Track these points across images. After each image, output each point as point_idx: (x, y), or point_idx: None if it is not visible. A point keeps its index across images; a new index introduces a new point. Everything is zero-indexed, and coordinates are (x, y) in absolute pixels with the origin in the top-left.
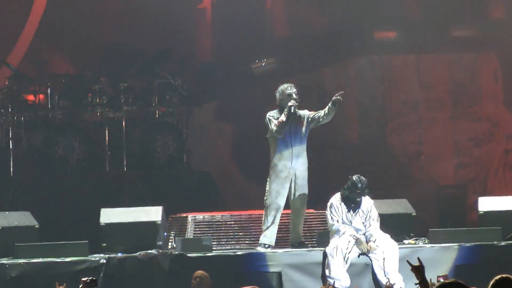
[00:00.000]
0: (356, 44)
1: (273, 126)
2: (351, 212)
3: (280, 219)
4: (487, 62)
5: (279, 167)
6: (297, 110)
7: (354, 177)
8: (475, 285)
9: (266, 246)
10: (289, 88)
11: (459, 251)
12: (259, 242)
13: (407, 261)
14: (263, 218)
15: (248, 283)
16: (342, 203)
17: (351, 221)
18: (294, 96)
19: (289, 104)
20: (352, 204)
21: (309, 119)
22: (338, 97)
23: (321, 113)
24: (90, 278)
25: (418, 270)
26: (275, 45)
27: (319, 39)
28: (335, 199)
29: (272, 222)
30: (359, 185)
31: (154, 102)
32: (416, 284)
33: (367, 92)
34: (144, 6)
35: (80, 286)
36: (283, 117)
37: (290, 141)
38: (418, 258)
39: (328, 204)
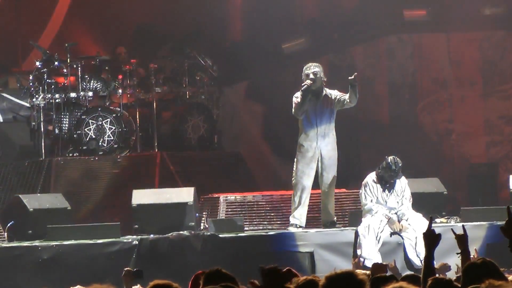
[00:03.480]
0: (386, 23)
1: (293, 108)
2: (386, 191)
3: (311, 199)
4: None
5: (304, 147)
6: (326, 89)
7: (389, 159)
8: (505, 263)
9: (297, 226)
10: (307, 68)
11: (489, 229)
12: (290, 222)
13: (451, 229)
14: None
15: (280, 263)
16: (377, 183)
17: (386, 201)
18: (311, 76)
19: (302, 85)
20: (386, 184)
21: (336, 100)
22: (353, 77)
23: (346, 96)
24: (136, 269)
25: (461, 239)
26: (305, 24)
27: (349, 18)
28: (371, 178)
29: (299, 203)
30: (393, 167)
31: (185, 83)
32: (458, 254)
33: (398, 71)
34: None
35: (122, 275)
36: (298, 99)
37: (315, 121)
38: (463, 226)
39: (363, 183)
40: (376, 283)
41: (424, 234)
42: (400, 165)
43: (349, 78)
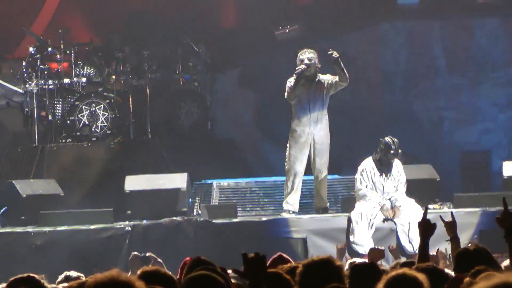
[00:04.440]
0: (379, 10)
1: (285, 92)
2: (383, 176)
3: (304, 185)
4: (511, 27)
5: (297, 132)
6: (319, 75)
7: (387, 139)
8: (498, 250)
9: (290, 212)
10: (302, 53)
11: (482, 216)
12: (283, 208)
13: (440, 217)
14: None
15: (273, 249)
16: (375, 168)
17: (383, 185)
18: (306, 61)
19: (296, 69)
20: (384, 168)
21: (329, 85)
22: (330, 53)
23: (336, 77)
24: (143, 254)
25: (450, 226)
26: (298, 11)
27: (342, 6)
28: (368, 163)
29: (292, 188)
30: (392, 146)
31: (178, 70)
32: (447, 240)
33: (391, 58)
34: None
35: (130, 259)
36: (292, 84)
37: (308, 107)
38: (452, 214)
39: (360, 168)
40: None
41: (419, 223)
42: (398, 143)
43: (328, 54)
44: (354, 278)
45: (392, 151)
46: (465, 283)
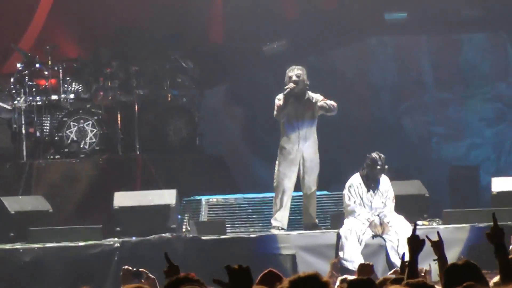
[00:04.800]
0: (366, 25)
1: (274, 110)
2: (371, 191)
3: (293, 202)
4: (498, 42)
5: (286, 149)
6: (309, 92)
7: (373, 154)
8: (487, 266)
9: (279, 228)
10: (291, 70)
11: (471, 232)
12: (271, 225)
13: (426, 236)
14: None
15: (262, 265)
16: (362, 184)
17: (371, 201)
18: (294, 78)
19: (285, 88)
20: (372, 183)
21: (317, 106)
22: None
23: (323, 109)
24: (136, 269)
25: (437, 246)
26: (286, 27)
27: (330, 20)
28: (355, 179)
29: (281, 205)
30: (379, 161)
31: (166, 85)
32: (434, 260)
33: (379, 73)
34: None
35: (121, 274)
36: (280, 102)
37: (297, 124)
38: (438, 233)
39: (347, 184)
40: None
41: (408, 239)
42: (384, 159)
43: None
44: None
45: (378, 167)
46: None
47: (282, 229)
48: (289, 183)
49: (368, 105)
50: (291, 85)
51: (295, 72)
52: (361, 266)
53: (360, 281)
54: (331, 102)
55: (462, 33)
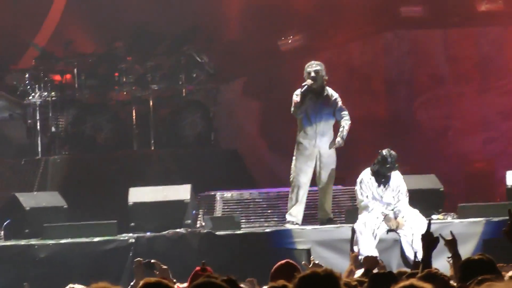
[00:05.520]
0: (382, 19)
1: (292, 106)
2: (382, 187)
3: (309, 196)
4: None
5: (303, 145)
6: (327, 88)
7: (384, 152)
8: (502, 259)
9: (294, 223)
10: (309, 66)
11: (486, 226)
12: (286, 220)
13: (440, 235)
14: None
15: (277, 260)
16: (373, 178)
17: (381, 196)
18: (313, 74)
19: (303, 84)
20: (382, 179)
21: (335, 103)
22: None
23: (342, 126)
24: (148, 260)
25: (451, 244)
26: (302, 22)
27: (346, 15)
28: (366, 174)
29: (296, 200)
30: (389, 159)
31: (181, 80)
32: (448, 258)
33: (394, 67)
34: None
35: (134, 266)
36: (297, 98)
37: (314, 120)
38: (451, 232)
39: (358, 179)
40: (376, 281)
41: (423, 236)
42: (395, 157)
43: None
44: (373, 285)
45: (388, 165)
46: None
47: (297, 224)
48: (305, 179)
49: (384, 99)
50: (309, 81)
51: (313, 68)
52: (366, 258)
53: (383, 274)
54: (346, 129)
55: (478, 27)
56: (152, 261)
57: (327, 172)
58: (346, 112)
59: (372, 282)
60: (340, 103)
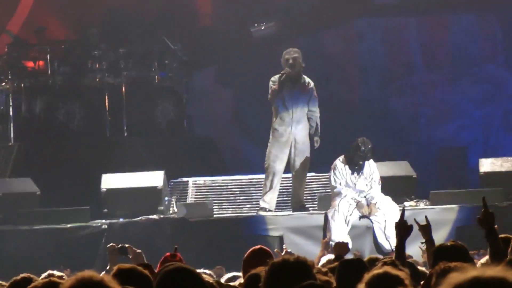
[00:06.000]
0: (355, 7)
1: (269, 94)
2: (355, 174)
3: (281, 183)
4: (487, 23)
5: (279, 131)
6: (304, 76)
7: (359, 140)
8: (475, 246)
9: (267, 210)
10: (287, 53)
11: (459, 212)
12: (260, 206)
13: (414, 220)
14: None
15: (250, 247)
16: (346, 166)
17: (355, 183)
18: (291, 61)
19: (281, 72)
20: (355, 166)
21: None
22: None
23: (312, 120)
24: (120, 245)
25: (425, 230)
26: (275, 9)
27: (319, 2)
28: (339, 161)
29: (271, 187)
30: (362, 148)
31: (154, 67)
32: (422, 243)
33: (368, 54)
34: None
35: (107, 252)
36: (275, 86)
37: (291, 107)
38: (426, 217)
39: (332, 166)
40: (346, 268)
41: (396, 224)
42: (369, 146)
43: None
44: (342, 273)
45: (360, 153)
46: (435, 272)
47: (270, 211)
48: (280, 166)
49: (357, 86)
50: (287, 69)
51: (291, 55)
52: (337, 244)
53: (352, 261)
54: (319, 125)
55: (451, 14)
56: (126, 245)
57: (301, 159)
58: (316, 106)
59: (341, 269)
60: (314, 93)
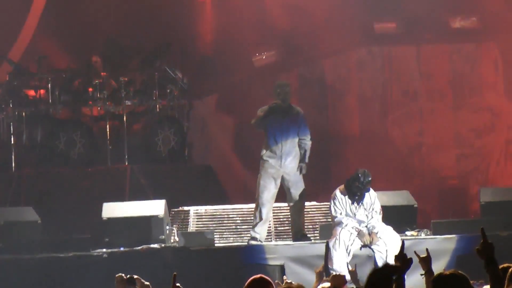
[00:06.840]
0: (356, 35)
1: (254, 119)
2: (355, 204)
3: (282, 212)
4: (488, 52)
5: (269, 162)
6: (293, 106)
7: (360, 171)
8: (476, 275)
9: (257, 239)
10: (278, 86)
11: (459, 242)
12: (250, 236)
13: (415, 252)
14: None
15: (250, 276)
16: (346, 196)
17: (355, 213)
18: (282, 95)
19: (272, 104)
20: (355, 196)
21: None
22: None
23: (301, 148)
24: (129, 276)
25: (425, 261)
26: (276, 37)
27: (319, 31)
28: (339, 191)
29: (260, 218)
30: (361, 179)
31: (155, 96)
32: (421, 274)
33: (368, 83)
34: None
35: (115, 281)
36: (261, 113)
37: (280, 139)
38: (427, 250)
39: (332, 195)
40: None
41: (396, 257)
42: (369, 178)
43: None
44: None
45: (358, 185)
46: None
47: (260, 241)
48: (268, 196)
49: (357, 115)
50: (278, 102)
51: (283, 88)
52: (334, 277)
53: None
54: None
55: (451, 43)
56: (135, 276)
57: (296, 190)
58: (307, 134)
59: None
60: (304, 122)
